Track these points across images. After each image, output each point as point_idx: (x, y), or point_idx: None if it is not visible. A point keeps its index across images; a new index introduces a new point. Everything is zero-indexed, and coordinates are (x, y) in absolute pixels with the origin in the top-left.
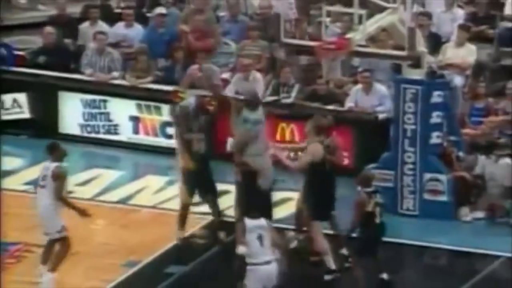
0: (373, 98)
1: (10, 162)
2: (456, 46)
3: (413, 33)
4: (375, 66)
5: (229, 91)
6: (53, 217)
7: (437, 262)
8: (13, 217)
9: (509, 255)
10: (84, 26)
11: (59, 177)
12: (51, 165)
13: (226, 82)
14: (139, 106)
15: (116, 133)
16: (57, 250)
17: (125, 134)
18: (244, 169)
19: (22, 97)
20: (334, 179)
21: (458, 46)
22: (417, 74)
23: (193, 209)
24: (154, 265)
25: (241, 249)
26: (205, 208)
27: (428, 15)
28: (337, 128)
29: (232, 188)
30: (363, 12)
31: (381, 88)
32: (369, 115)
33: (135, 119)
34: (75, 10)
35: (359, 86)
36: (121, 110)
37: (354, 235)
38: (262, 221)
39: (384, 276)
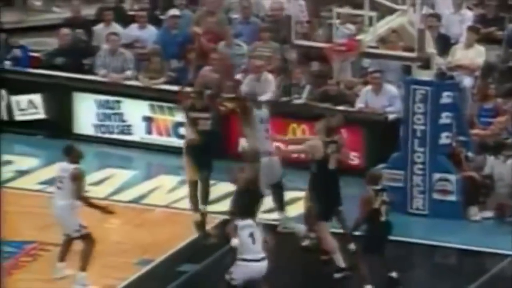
0: (383, 99)
1: (25, 162)
2: (465, 47)
3: (422, 34)
4: (385, 67)
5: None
6: (70, 217)
7: (446, 261)
8: (29, 216)
9: None
10: (99, 27)
11: (78, 178)
12: (69, 167)
13: (238, 83)
14: (152, 107)
15: (129, 133)
16: (81, 249)
17: (138, 134)
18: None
19: (37, 98)
20: (337, 177)
21: (467, 48)
22: (426, 75)
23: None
24: (167, 264)
25: (234, 242)
26: (218, 206)
27: (437, 17)
28: (347, 128)
29: None
30: (373, 14)
31: (391, 88)
32: (379, 115)
33: (148, 120)
34: (89, 12)
35: (369, 87)
36: (134, 110)
37: (360, 232)
38: (250, 221)
39: (393, 274)
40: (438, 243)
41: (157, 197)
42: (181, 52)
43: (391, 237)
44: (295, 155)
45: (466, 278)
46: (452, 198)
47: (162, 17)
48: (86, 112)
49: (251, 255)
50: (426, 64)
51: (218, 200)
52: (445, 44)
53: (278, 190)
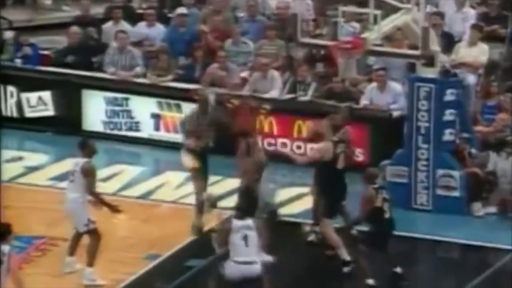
0: (388, 96)
1: (35, 158)
2: (468, 45)
3: (426, 32)
4: (390, 64)
5: (247, 90)
6: (80, 211)
7: (450, 256)
8: (38, 212)
9: None
10: (108, 26)
11: (89, 172)
12: (81, 161)
13: (244, 80)
14: (160, 104)
15: (137, 130)
16: (88, 244)
17: (147, 131)
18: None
19: (47, 95)
20: (343, 175)
21: (471, 46)
22: (430, 73)
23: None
24: (174, 259)
25: (219, 250)
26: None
27: (441, 15)
28: (352, 125)
29: None
30: (378, 12)
31: (395, 86)
32: (383, 112)
33: (156, 117)
34: (98, 10)
35: (374, 84)
36: (142, 107)
37: (364, 229)
38: (249, 222)
39: (398, 269)
40: (442, 238)
41: (164, 193)
42: (188, 50)
43: (396, 233)
44: (301, 152)
45: (469, 273)
46: (456, 194)
47: (170, 15)
48: (95, 109)
49: (243, 258)
50: (430, 61)
51: (226, 195)
52: (448, 42)
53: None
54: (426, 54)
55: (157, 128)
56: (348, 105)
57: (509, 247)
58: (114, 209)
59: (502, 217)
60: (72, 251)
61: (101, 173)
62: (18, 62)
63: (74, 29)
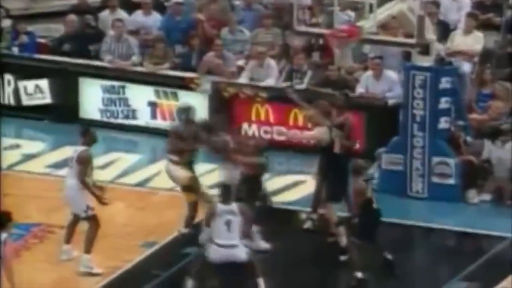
0: (383, 84)
1: (32, 146)
2: (464, 33)
3: (422, 21)
4: (385, 53)
5: (243, 78)
6: (78, 197)
7: (445, 243)
8: (35, 199)
9: None
10: (104, 14)
11: (84, 161)
12: (79, 149)
13: (241, 69)
14: (156, 92)
15: (134, 118)
16: (86, 231)
17: (143, 119)
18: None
19: (44, 83)
20: (343, 160)
21: (466, 34)
22: (426, 61)
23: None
24: (171, 246)
25: (204, 234)
26: None
27: (437, 4)
28: (348, 113)
29: None
30: (373, 1)
31: (391, 74)
32: (379, 100)
33: (153, 105)
34: None
35: (370, 72)
36: (139, 96)
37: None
38: (234, 206)
39: (388, 256)
40: (437, 226)
41: (161, 180)
42: (185, 38)
43: (391, 220)
44: (297, 140)
45: (464, 260)
46: (451, 181)
47: (166, 3)
48: (92, 97)
49: (224, 241)
50: (425, 50)
51: None
52: (444, 30)
53: None
54: (421, 43)
55: (154, 116)
56: (342, 92)
57: (503, 234)
58: (101, 201)
59: (496, 205)
60: (68, 238)
61: (98, 161)
62: (15, 50)
63: (71, 17)
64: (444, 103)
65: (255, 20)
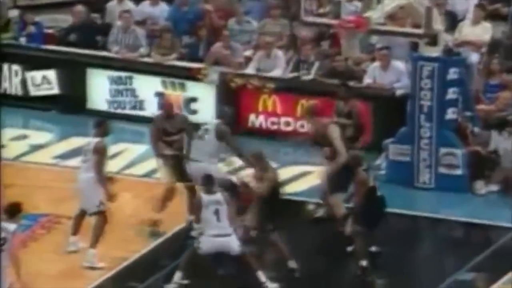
0: (391, 75)
1: (39, 137)
2: (472, 24)
3: (430, 11)
4: (393, 43)
5: (251, 69)
6: (92, 192)
7: (452, 234)
8: (43, 190)
9: None
10: (111, 4)
11: (100, 151)
12: (94, 140)
13: (248, 59)
14: (164, 83)
15: (141, 109)
16: (94, 225)
17: (151, 109)
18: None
19: (51, 74)
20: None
21: (474, 24)
22: (433, 52)
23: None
24: (178, 237)
25: (195, 225)
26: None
27: None
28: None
29: None
30: None
31: (398, 65)
32: (386, 91)
33: (160, 95)
34: None
35: (377, 63)
36: (146, 86)
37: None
38: (218, 196)
39: (373, 248)
40: (444, 217)
41: None
42: (192, 29)
43: (398, 211)
44: (303, 131)
45: (471, 251)
46: (458, 172)
47: None
48: (99, 88)
49: (216, 231)
50: (433, 40)
51: (229, 174)
52: (452, 20)
53: None
54: (429, 33)
55: (161, 106)
56: (342, 83)
57: (511, 225)
58: (111, 197)
59: (504, 195)
60: (75, 230)
61: None
62: (23, 40)
63: (79, 7)
64: (451, 93)
65: (262, 10)
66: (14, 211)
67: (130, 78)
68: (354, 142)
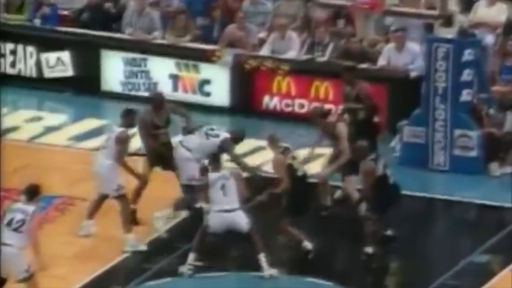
0: (406, 57)
1: (54, 118)
2: (487, 5)
3: None
4: (408, 24)
5: (265, 50)
6: (110, 177)
7: (466, 215)
8: (57, 171)
9: None
10: None
11: (122, 141)
12: (118, 129)
13: (262, 41)
14: (178, 65)
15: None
16: (120, 211)
17: (165, 91)
18: None
19: (65, 55)
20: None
21: (489, 5)
22: (448, 33)
23: None
24: (193, 218)
25: (203, 204)
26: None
27: None
28: (370, 86)
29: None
30: None
31: (413, 46)
32: (401, 73)
33: (174, 77)
34: None
35: (392, 44)
36: (160, 68)
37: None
38: (225, 172)
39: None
40: (459, 199)
41: None
42: (206, 10)
43: (413, 193)
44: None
45: (486, 232)
46: (473, 154)
47: None
48: (113, 70)
49: (222, 206)
50: (448, 21)
51: (243, 156)
52: (467, 1)
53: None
54: (444, 14)
55: (175, 88)
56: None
57: None
58: (140, 178)
59: None
60: (91, 214)
61: None
62: (37, 22)
63: None
64: (466, 75)
65: None
66: (33, 193)
67: (144, 60)
68: (368, 125)
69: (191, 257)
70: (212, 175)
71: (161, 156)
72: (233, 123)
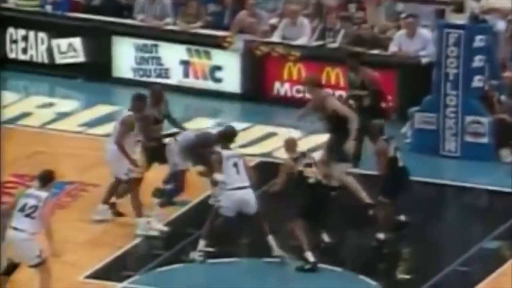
0: (417, 43)
1: (65, 105)
2: None
3: None
4: (419, 11)
5: (276, 37)
6: (120, 160)
7: (478, 202)
8: (69, 158)
9: None
10: None
11: (125, 124)
12: (124, 112)
13: (273, 27)
14: (189, 51)
15: (167, 77)
16: (130, 197)
17: (176, 77)
18: None
19: (77, 42)
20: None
21: None
22: (460, 19)
23: None
24: (204, 204)
25: (218, 176)
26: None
27: None
28: (380, 72)
29: (279, 130)
30: None
31: (424, 32)
32: (412, 59)
33: (185, 63)
34: None
35: (403, 31)
36: (171, 54)
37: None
38: (236, 152)
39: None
40: (470, 185)
41: None
42: None
43: (424, 179)
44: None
45: (497, 219)
46: (484, 140)
47: None
48: (125, 56)
49: (236, 183)
50: (459, 7)
51: (254, 142)
52: None
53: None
54: (455, 0)
55: (186, 74)
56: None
57: None
58: (133, 163)
59: None
60: (107, 199)
61: None
62: (49, 8)
63: None
64: (478, 61)
65: None
66: (46, 179)
67: (156, 46)
68: (374, 111)
69: (202, 243)
70: (226, 152)
71: (156, 151)
72: (244, 109)
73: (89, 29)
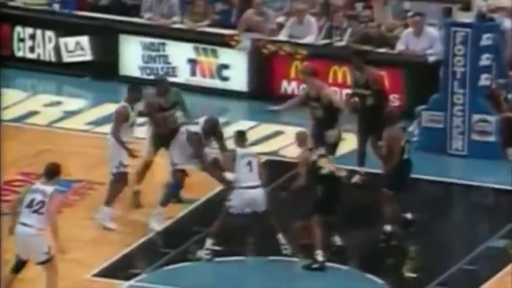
0: (424, 41)
1: (72, 103)
2: None
3: None
4: (426, 9)
5: (283, 35)
6: (114, 153)
7: (484, 200)
8: (76, 156)
9: None
10: None
11: (120, 115)
12: (121, 104)
13: (280, 26)
14: (196, 49)
15: (174, 75)
16: (111, 184)
17: (183, 76)
18: None
19: (84, 40)
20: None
21: None
22: (467, 17)
23: None
24: (211, 202)
25: (229, 176)
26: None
27: None
28: (388, 70)
29: (286, 129)
30: None
31: (431, 31)
32: (419, 57)
33: (192, 62)
34: None
35: (410, 29)
36: (179, 53)
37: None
38: (251, 150)
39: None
40: (477, 183)
41: None
42: None
43: (431, 178)
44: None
45: (504, 217)
46: (491, 139)
47: None
48: (132, 54)
49: (247, 183)
50: (466, 6)
51: (261, 141)
52: None
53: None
54: None
55: (193, 73)
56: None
57: None
58: (132, 154)
59: None
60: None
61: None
62: (56, 7)
63: None
64: (485, 60)
65: None
66: (52, 172)
67: (163, 44)
68: (377, 110)
69: (209, 242)
70: (240, 150)
71: (166, 137)
72: (251, 108)
73: (96, 27)
